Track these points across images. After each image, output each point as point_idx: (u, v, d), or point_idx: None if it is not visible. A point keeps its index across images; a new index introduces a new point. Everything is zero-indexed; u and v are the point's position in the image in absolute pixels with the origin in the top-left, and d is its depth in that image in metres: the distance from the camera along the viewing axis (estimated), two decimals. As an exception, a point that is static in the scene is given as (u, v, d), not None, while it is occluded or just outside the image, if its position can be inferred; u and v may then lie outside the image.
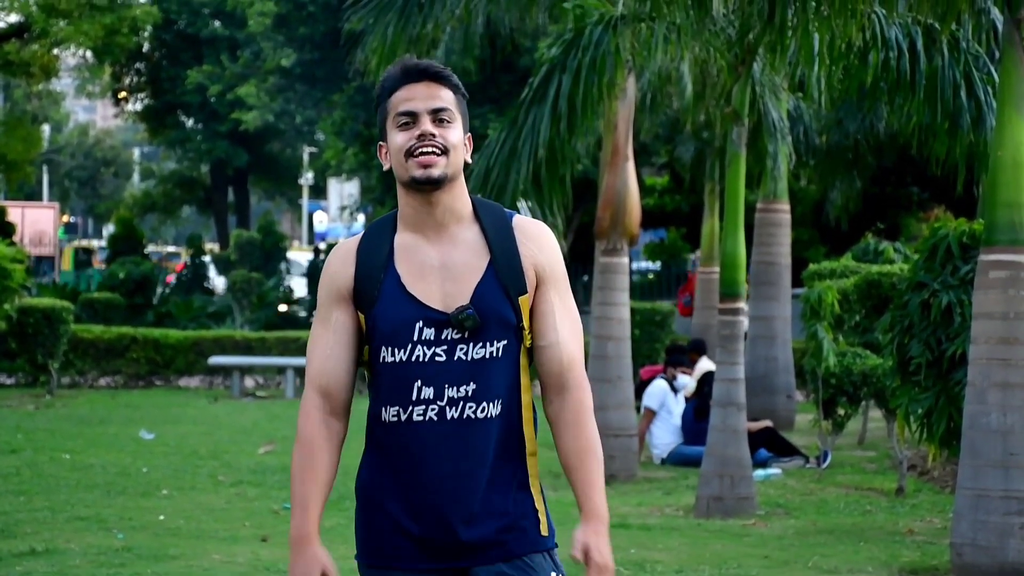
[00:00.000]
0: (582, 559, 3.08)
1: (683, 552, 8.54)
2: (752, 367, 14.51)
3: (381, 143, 3.16)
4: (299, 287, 31.76)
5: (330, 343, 3.15)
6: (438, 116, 3.10)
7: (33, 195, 54.92)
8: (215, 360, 19.38)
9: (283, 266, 33.84)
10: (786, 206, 16.02)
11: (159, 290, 27.31)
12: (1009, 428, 7.45)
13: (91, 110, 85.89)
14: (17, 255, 17.09)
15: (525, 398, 3.14)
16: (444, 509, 3.06)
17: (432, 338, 3.07)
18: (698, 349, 14.24)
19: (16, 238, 27.79)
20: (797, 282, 16.80)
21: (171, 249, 52.29)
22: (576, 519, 3.15)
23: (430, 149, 3.07)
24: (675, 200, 29.58)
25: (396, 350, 3.08)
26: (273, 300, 28.97)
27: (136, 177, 63.59)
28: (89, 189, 64.03)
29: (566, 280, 3.20)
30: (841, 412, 11.99)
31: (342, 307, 3.14)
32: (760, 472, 11.65)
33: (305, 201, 55.20)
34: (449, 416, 3.06)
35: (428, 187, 3.08)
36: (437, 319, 3.07)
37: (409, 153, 3.08)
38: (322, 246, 37.94)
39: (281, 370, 19.73)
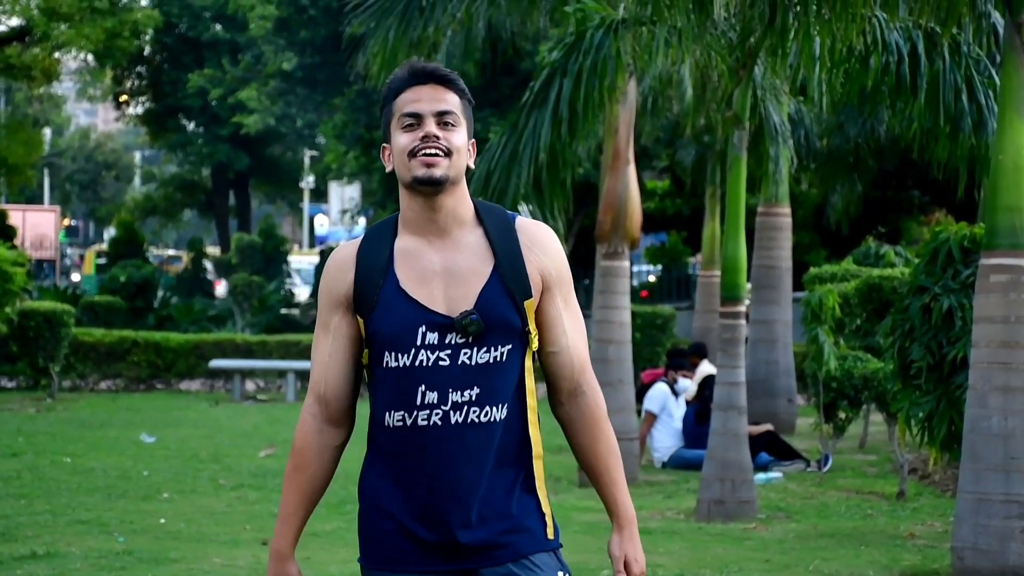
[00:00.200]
0: (624, 574, 3.17)
1: (684, 556, 8.54)
2: (753, 371, 14.51)
3: (385, 144, 3.16)
4: (304, 295, 31.75)
5: (329, 349, 3.14)
6: (443, 119, 3.09)
7: (34, 199, 54.93)
8: (216, 363, 19.38)
9: (284, 267, 33.84)
10: (787, 210, 16.02)
11: (160, 293, 27.31)
12: (1010, 432, 7.45)
13: (92, 114, 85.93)
14: (18, 258, 17.10)
15: (530, 401, 3.14)
16: (449, 512, 3.06)
17: (435, 342, 3.06)
18: (699, 352, 14.24)
19: (17, 241, 27.80)
20: (798, 286, 16.82)
21: (171, 252, 52.28)
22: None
23: (433, 150, 3.06)
24: (676, 204, 29.59)
25: (399, 355, 3.07)
26: (274, 303, 28.98)
27: (137, 180, 63.61)
28: (90, 192, 64.06)
29: (571, 282, 3.19)
30: (842, 416, 11.99)
31: (341, 313, 3.13)
32: (761, 476, 11.65)
33: (306, 205, 55.21)
34: (453, 420, 3.05)
35: (429, 188, 3.07)
36: (440, 323, 3.06)
37: (412, 153, 3.08)
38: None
39: (282, 373, 19.74)
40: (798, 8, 9.06)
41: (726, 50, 10.15)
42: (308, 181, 49.96)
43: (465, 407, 3.05)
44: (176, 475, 11.60)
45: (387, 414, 3.09)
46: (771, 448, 12.66)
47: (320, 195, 53.99)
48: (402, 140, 3.09)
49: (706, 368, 13.56)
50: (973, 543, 7.48)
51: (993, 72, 9.13)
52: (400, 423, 3.08)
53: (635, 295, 24.58)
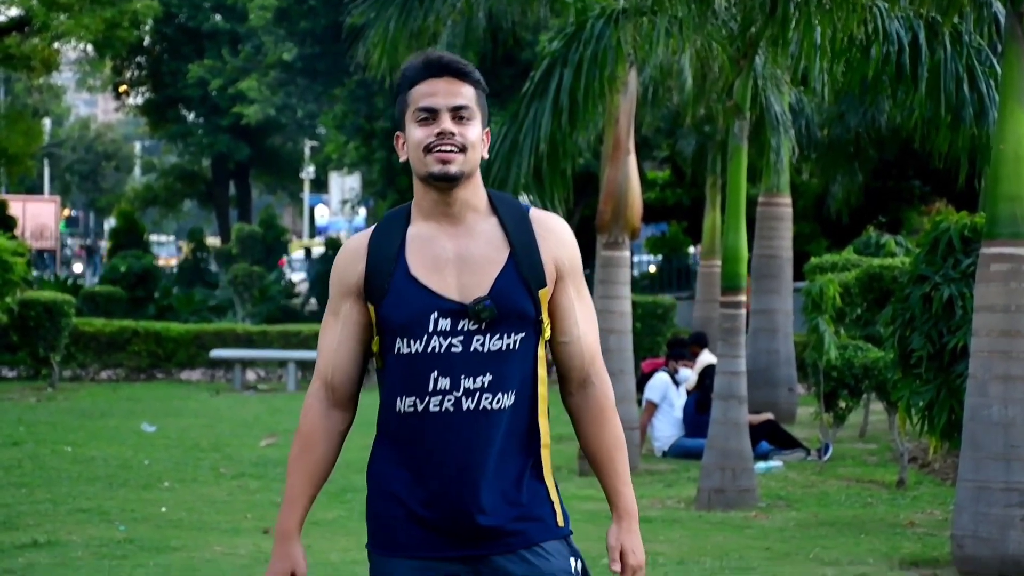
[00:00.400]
0: (619, 566, 3.15)
1: (684, 544, 8.55)
2: (754, 360, 14.52)
3: (399, 133, 3.17)
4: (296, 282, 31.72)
5: (339, 336, 3.15)
6: (458, 113, 3.10)
7: (34, 189, 54.92)
8: (216, 353, 19.40)
9: (285, 257, 33.82)
10: (788, 200, 16.02)
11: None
12: (1010, 420, 7.46)
13: (92, 104, 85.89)
14: (18, 248, 17.11)
15: (541, 390, 3.14)
16: (460, 498, 3.07)
17: (448, 329, 3.06)
18: (699, 342, 14.24)
19: (17, 232, 27.81)
20: (799, 275, 16.81)
21: (162, 238, 52.23)
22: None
23: (448, 147, 3.08)
24: (676, 194, 29.59)
25: (411, 341, 3.07)
26: (274, 294, 29.00)
27: (137, 171, 63.60)
28: (90, 183, 64.04)
29: (582, 274, 3.21)
30: (842, 405, 12.00)
31: (352, 300, 3.14)
32: (761, 464, 11.66)
33: (306, 195, 55.21)
34: (465, 407, 3.06)
35: (445, 184, 3.09)
36: (453, 310, 3.07)
37: (428, 149, 3.09)
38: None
39: (282, 363, 19.75)
40: (799, -3, 9.06)
41: (727, 40, 10.14)
42: (308, 171, 49.96)
43: (477, 393, 3.06)
44: (177, 464, 11.62)
45: (398, 400, 3.10)
46: (771, 437, 12.67)
47: (320, 185, 54.00)
48: (417, 134, 3.10)
49: (707, 357, 13.57)
50: (973, 531, 7.49)
51: (994, 61, 9.12)
52: (411, 409, 3.09)
53: (635, 285, 24.58)
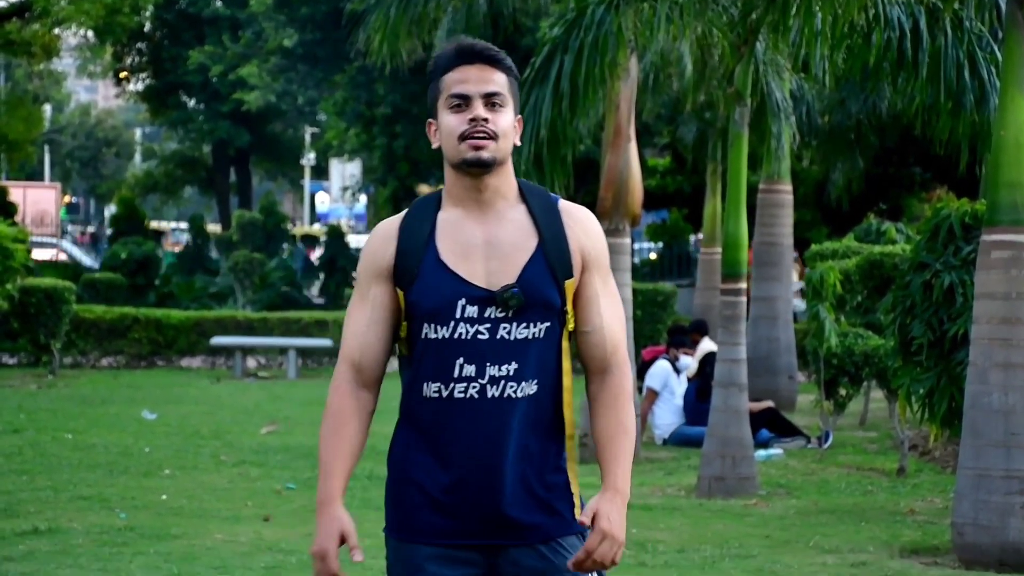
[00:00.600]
0: (588, 523, 3.05)
1: (684, 532, 8.56)
2: (754, 347, 14.52)
3: (431, 120, 3.18)
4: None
5: (367, 319, 3.15)
6: (490, 100, 3.11)
7: (34, 175, 54.89)
8: (217, 340, 19.39)
9: (285, 245, 33.83)
10: (788, 187, 16.00)
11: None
12: (1010, 408, 7.46)
13: (92, 90, 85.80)
14: (19, 235, 17.10)
15: (566, 381, 3.15)
16: (481, 486, 3.07)
17: (475, 316, 3.07)
18: (700, 330, 14.24)
19: (18, 218, 27.79)
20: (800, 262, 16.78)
21: (172, 225, 52.21)
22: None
23: (481, 134, 3.09)
24: (677, 181, 29.55)
25: (438, 327, 3.08)
26: (275, 281, 28.99)
27: (138, 157, 63.55)
28: (91, 169, 64.00)
29: (609, 265, 3.22)
30: (843, 392, 12.00)
31: (381, 284, 3.14)
32: (762, 452, 11.67)
33: (307, 181, 55.17)
34: (490, 394, 3.06)
35: (478, 170, 3.10)
36: (480, 297, 3.07)
37: (461, 136, 3.10)
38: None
39: (283, 350, 19.75)
40: (800, -16, 9.04)
41: (728, 26, 10.12)
42: (309, 158, 49.91)
43: (502, 381, 3.07)
44: (177, 452, 11.62)
45: (424, 385, 3.10)
46: (772, 425, 12.68)
47: (321, 172, 53.95)
48: (451, 121, 3.11)
49: (707, 345, 13.56)
50: (973, 519, 7.49)
51: (995, 48, 9.10)
52: (436, 395, 3.09)
53: (636, 272, 24.58)
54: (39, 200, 39.16)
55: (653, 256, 34.37)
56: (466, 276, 3.08)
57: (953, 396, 8.70)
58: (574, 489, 3.16)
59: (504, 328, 3.07)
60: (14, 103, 35.10)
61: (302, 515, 8.87)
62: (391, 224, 3.18)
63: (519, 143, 3.19)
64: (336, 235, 34.39)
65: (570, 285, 3.13)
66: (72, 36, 34.11)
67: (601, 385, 3.18)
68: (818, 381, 11.94)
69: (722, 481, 9.99)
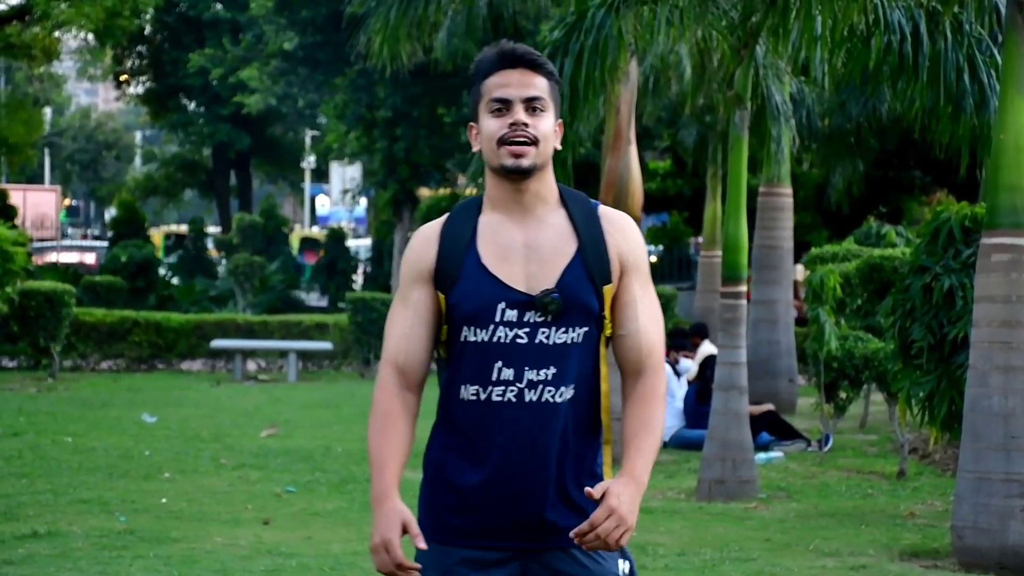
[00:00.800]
0: (596, 497, 2.99)
1: (685, 535, 8.56)
2: (754, 351, 14.51)
3: (472, 124, 3.19)
4: None
5: (409, 322, 3.15)
6: (531, 105, 3.12)
7: (35, 178, 54.91)
8: (217, 344, 19.39)
9: (285, 248, 33.86)
10: (788, 190, 16.01)
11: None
12: (1010, 411, 7.46)
13: (93, 93, 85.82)
14: (19, 238, 17.10)
15: (603, 386, 3.15)
16: (516, 490, 3.07)
17: (514, 320, 3.07)
18: (700, 333, 14.23)
19: (18, 221, 27.80)
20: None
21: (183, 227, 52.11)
22: None
23: (521, 139, 3.09)
24: (677, 184, 29.55)
25: (477, 330, 3.09)
26: (275, 284, 29.00)
27: (138, 160, 63.55)
28: (91, 172, 64.01)
29: (648, 270, 3.22)
30: (843, 396, 12.00)
31: (422, 287, 3.15)
32: (762, 455, 11.66)
33: (307, 184, 55.17)
34: (527, 399, 3.07)
35: (517, 176, 3.11)
36: (520, 300, 3.08)
37: (501, 141, 3.10)
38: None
39: (283, 354, 19.75)
40: (800, -13, 9.04)
41: (727, 29, 10.12)
42: (309, 161, 49.91)
43: (540, 386, 3.07)
44: (177, 455, 11.62)
45: (462, 388, 3.11)
46: (772, 428, 12.67)
47: (321, 175, 53.94)
48: (491, 126, 3.12)
49: (707, 348, 13.56)
50: (973, 522, 7.49)
51: (995, 51, 9.11)
52: (474, 397, 3.10)
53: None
54: (39, 203, 39.17)
55: (653, 259, 34.36)
56: (506, 280, 3.09)
57: (953, 399, 8.70)
58: None
59: (543, 332, 3.07)
60: (14, 106, 35.10)
61: (302, 518, 8.87)
62: (433, 228, 3.19)
63: (559, 147, 3.19)
64: (336, 238, 34.40)
65: (608, 291, 3.13)
66: (72, 39, 34.10)
67: (634, 386, 3.18)
68: (818, 384, 11.93)
69: (722, 484, 9.99)
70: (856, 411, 14.15)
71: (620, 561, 3.13)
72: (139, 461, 11.23)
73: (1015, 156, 7.56)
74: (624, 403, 3.20)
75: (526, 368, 3.06)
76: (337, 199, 50.35)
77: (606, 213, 3.19)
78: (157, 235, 39.76)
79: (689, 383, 13.30)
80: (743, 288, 10.37)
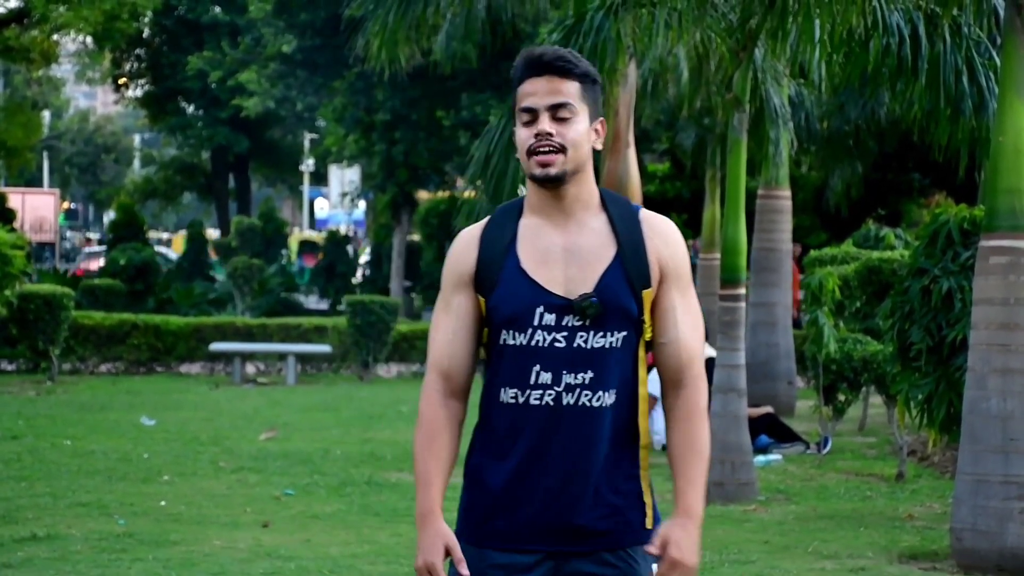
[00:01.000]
0: (658, 552, 3.07)
1: (683, 538, 8.54)
2: (753, 353, 14.51)
3: (515, 129, 3.22)
4: None
5: (452, 327, 3.16)
6: (556, 113, 3.11)
7: (33, 181, 54.89)
8: (216, 346, 19.39)
9: (284, 252, 33.88)
10: (787, 192, 16.01)
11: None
12: (1009, 413, 7.46)
13: (91, 96, 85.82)
14: (18, 241, 17.09)
15: (641, 391, 3.16)
16: (552, 493, 3.08)
17: (552, 323, 3.08)
18: (699, 335, 14.20)
19: (16, 224, 27.79)
20: (799, 268, 16.78)
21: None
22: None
23: (547, 148, 3.09)
24: (676, 186, 29.55)
25: (516, 334, 3.09)
26: (274, 287, 29.00)
27: (137, 163, 63.55)
28: (90, 175, 64.01)
29: (689, 277, 3.21)
30: (842, 398, 12.00)
31: (464, 292, 3.16)
32: (761, 458, 11.66)
33: (306, 188, 55.18)
34: (565, 402, 3.07)
35: (550, 184, 3.11)
36: (558, 305, 3.08)
37: (530, 152, 3.12)
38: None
39: (282, 356, 19.74)
40: (798, -10, 9.04)
41: (726, 32, 10.13)
42: (308, 164, 49.91)
43: (578, 390, 3.07)
44: (176, 458, 11.61)
45: (502, 391, 3.12)
46: (771, 430, 12.67)
47: (320, 178, 53.96)
48: (521, 135, 3.14)
49: (706, 351, 13.56)
50: (972, 524, 7.49)
51: (994, 53, 9.11)
52: (513, 400, 3.10)
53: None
54: (38, 206, 39.16)
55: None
56: (545, 284, 3.09)
57: (952, 401, 8.70)
58: (647, 499, 3.17)
59: (581, 336, 3.07)
60: (13, 109, 35.10)
61: (301, 521, 8.87)
62: (473, 232, 3.20)
63: (600, 147, 3.17)
64: (335, 241, 34.40)
65: (647, 295, 3.12)
66: (71, 42, 34.12)
67: (676, 400, 3.19)
68: (817, 387, 11.94)
69: (721, 487, 9.99)
70: (855, 413, 14.15)
71: (654, 566, 3.14)
72: (138, 464, 11.23)
73: (1014, 159, 7.57)
74: (667, 416, 3.20)
75: (564, 372, 3.07)
76: (336, 202, 50.37)
77: (647, 218, 3.18)
78: (179, 237, 39.67)
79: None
80: (742, 291, 10.37)
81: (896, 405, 10.52)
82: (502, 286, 3.10)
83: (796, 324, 18.56)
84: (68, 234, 56.71)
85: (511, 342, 3.09)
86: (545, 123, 3.10)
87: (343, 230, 42.28)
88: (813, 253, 15.50)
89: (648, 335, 3.16)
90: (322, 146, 41.93)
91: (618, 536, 3.12)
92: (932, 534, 8.69)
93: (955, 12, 8.98)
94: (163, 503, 9.41)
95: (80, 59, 44.22)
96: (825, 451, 12.23)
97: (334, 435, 13.13)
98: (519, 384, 3.08)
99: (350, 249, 33.73)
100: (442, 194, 34.72)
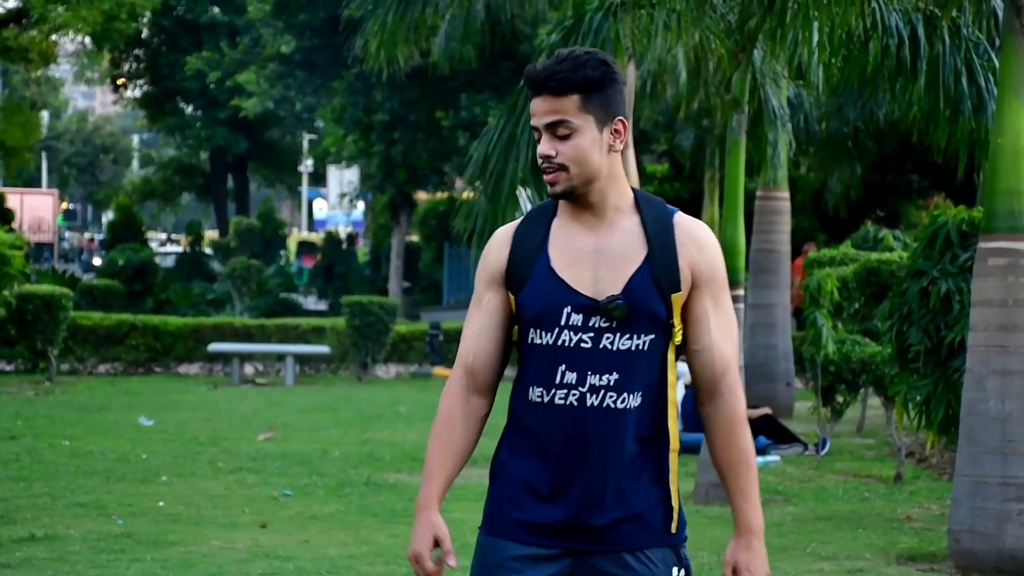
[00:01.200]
0: None
1: (682, 539, 8.54)
2: (751, 355, 14.52)
3: None
4: None
5: (481, 324, 3.18)
6: (556, 131, 3.11)
7: (32, 182, 54.88)
8: (214, 347, 19.39)
9: (282, 252, 33.91)
10: (786, 194, 16.02)
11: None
12: (1007, 415, 7.46)
13: (90, 96, 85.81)
14: (16, 241, 17.09)
15: (671, 394, 3.16)
16: (573, 492, 3.09)
17: (579, 324, 3.08)
18: (697, 336, 14.20)
19: (15, 224, 27.80)
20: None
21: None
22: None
23: (549, 169, 3.12)
24: (675, 188, 29.54)
25: (543, 333, 3.10)
26: (273, 287, 29.01)
27: (135, 164, 63.56)
28: (88, 176, 64.01)
29: (725, 283, 3.19)
30: (840, 399, 12.00)
31: (495, 289, 3.17)
32: (759, 459, 11.67)
33: (305, 188, 55.18)
34: (589, 403, 3.08)
35: (559, 199, 3.15)
36: (586, 305, 3.08)
37: (540, 169, 3.17)
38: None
39: (281, 357, 19.75)
40: (797, -9, 9.05)
41: (725, 33, 10.13)
42: (307, 165, 49.92)
43: (602, 391, 3.07)
44: (175, 458, 11.61)
45: (529, 390, 3.13)
46: (769, 432, 12.68)
47: (319, 179, 53.97)
48: (537, 152, 3.17)
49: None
50: (970, 526, 7.49)
51: (993, 55, 9.11)
52: (540, 399, 3.11)
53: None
54: (36, 207, 39.17)
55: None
56: (573, 284, 3.09)
57: (950, 403, 8.70)
58: (674, 503, 3.16)
59: (607, 338, 3.07)
60: (11, 109, 35.10)
61: (299, 522, 8.87)
62: (507, 230, 3.22)
63: (620, 147, 3.15)
64: (334, 242, 34.40)
65: (677, 299, 3.11)
66: (69, 42, 34.12)
67: (713, 409, 3.18)
68: (815, 388, 11.94)
69: (719, 488, 9.97)
70: (853, 415, 14.15)
71: (675, 569, 3.14)
72: (136, 464, 11.22)
73: (1013, 160, 7.57)
74: (706, 426, 3.19)
75: (589, 372, 3.07)
76: (335, 203, 50.37)
77: (682, 222, 3.16)
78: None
79: (687, 387, 13.30)
80: (740, 292, 10.37)
81: (894, 406, 10.53)
82: (531, 284, 3.11)
83: (797, 314, 18.50)
84: (67, 235, 56.69)
85: (538, 341, 3.10)
86: (545, 144, 3.11)
87: (343, 231, 42.31)
88: (811, 254, 15.51)
89: (678, 339, 3.16)
90: (321, 147, 41.94)
91: (637, 538, 3.11)
92: (930, 535, 8.69)
93: (954, 13, 8.98)
94: (161, 503, 9.41)
95: (79, 59, 44.24)
96: (823, 452, 12.23)
97: (332, 436, 13.13)
98: (545, 383, 3.10)
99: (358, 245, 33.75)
100: (441, 195, 34.74)
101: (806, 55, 9.65)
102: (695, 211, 23.81)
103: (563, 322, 3.08)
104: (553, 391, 3.09)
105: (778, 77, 11.29)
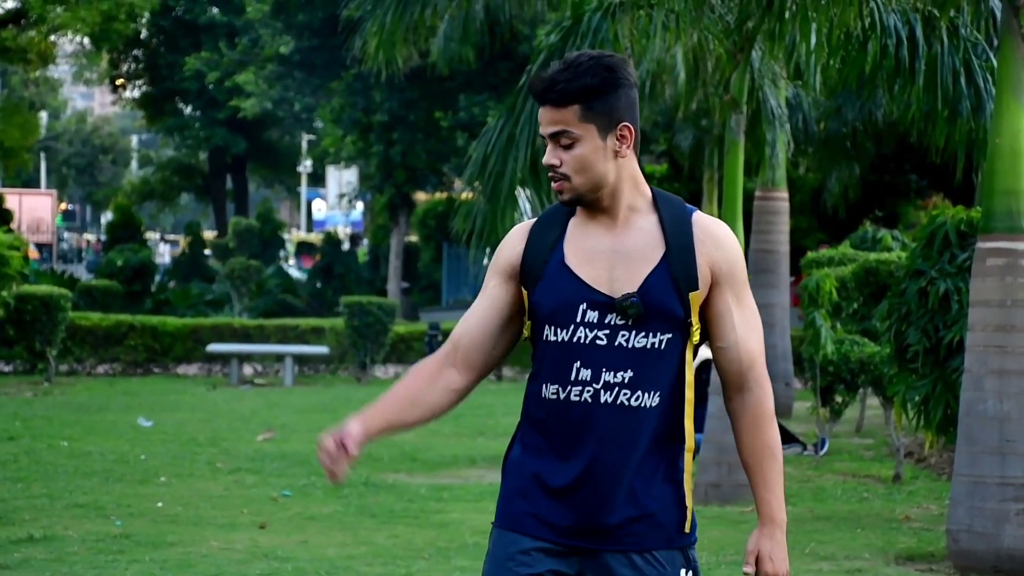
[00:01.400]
0: (753, 570, 3.13)
1: (680, 539, 8.55)
2: (750, 355, 14.47)
3: None
4: None
5: (479, 307, 3.21)
6: (559, 141, 3.13)
7: (31, 182, 54.88)
8: (213, 348, 19.39)
9: (282, 253, 33.91)
10: (784, 194, 16.02)
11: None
12: (1005, 415, 7.46)
13: (89, 97, 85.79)
14: (15, 242, 17.10)
15: (687, 393, 3.16)
16: (587, 489, 3.09)
17: (595, 321, 3.09)
18: (696, 337, 14.22)
19: (14, 225, 27.80)
20: (795, 270, 16.80)
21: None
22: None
23: (554, 176, 3.15)
24: (674, 188, 29.55)
25: (559, 329, 3.11)
26: (272, 288, 29.00)
27: (134, 164, 63.54)
28: (87, 176, 63.99)
29: (745, 279, 3.20)
30: (839, 399, 12.01)
31: (502, 280, 3.19)
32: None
33: (303, 188, 55.18)
34: (603, 400, 3.08)
35: (570, 206, 3.18)
36: (601, 303, 3.09)
37: (549, 177, 3.20)
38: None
39: (279, 358, 19.75)
40: (796, -9, 9.05)
41: (723, 34, 10.13)
42: (305, 165, 49.92)
43: (616, 388, 3.08)
44: (173, 459, 11.61)
45: (544, 386, 3.13)
46: (768, 432, 12.67)
47: (318, 179, 53.97)
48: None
49: (704, 352, 13.50)
50: (968, 526, 7.49)
51: (991, 55, 9.12)
52: (554, 396, 3.12)
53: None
54: (35, 207, 39.18)
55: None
56: (589, 281, 3.10)
57: (948, 403, 8.71)
58: (688, 503, 3.16)
59: (623, 336, 3.08)
60: (10, 110, 35.10)
61: (298, 522, 8.87)
62: (523, 227, 3.24)
63: (626, 153, 3.14)
64: (333, 242, 34.40)
65: (695, 297, 3.12)
66: (68, 43, 34.12)
67: (740, 404, 3.19)
68: (814, 388, 11.94)
69: (718, 488, 10.00)
70: (852, 415, 14.16)
71: (683, 571, 3.14)
72: (135, 465, 11.22)
73: (1011, 160, 7.57)
74: (733, 421, 3.20)
75: (603, 369, 3.08)
76: (333, 203, 50.39)
77: (700, 220, 3.17)
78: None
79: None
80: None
81: (893, 407, 10.53)
82: (546, 280, 3.13)
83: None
84: (65, 235, 56.68)
85: (553, 338, 3.11)
86: (550, 153, 3.14)
87: (342, 232, 42.32)
88: (810, 255, 15.51)
89: (696, 338, 3.16)
90: (320, 147, 41.94)
91: (647, 538, 3.11)
92: (929, 535, 8.70)
93: (952, 14, 8.99)
94: (160, 504, 9.41)
95: (77, 60, 44.24)
96: (822, 452, 12.23)
97: (331, 436, 13.12)
98: (560, 380, 3.11)
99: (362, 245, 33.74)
100: (440, 195, 34.74)
101: (804, 55, 9.66)
102: (694, 211, 23.80)
103: (579, 319, 3.09)
104: (568, 388, 3.09)
105: (776, 77, 11.30)
